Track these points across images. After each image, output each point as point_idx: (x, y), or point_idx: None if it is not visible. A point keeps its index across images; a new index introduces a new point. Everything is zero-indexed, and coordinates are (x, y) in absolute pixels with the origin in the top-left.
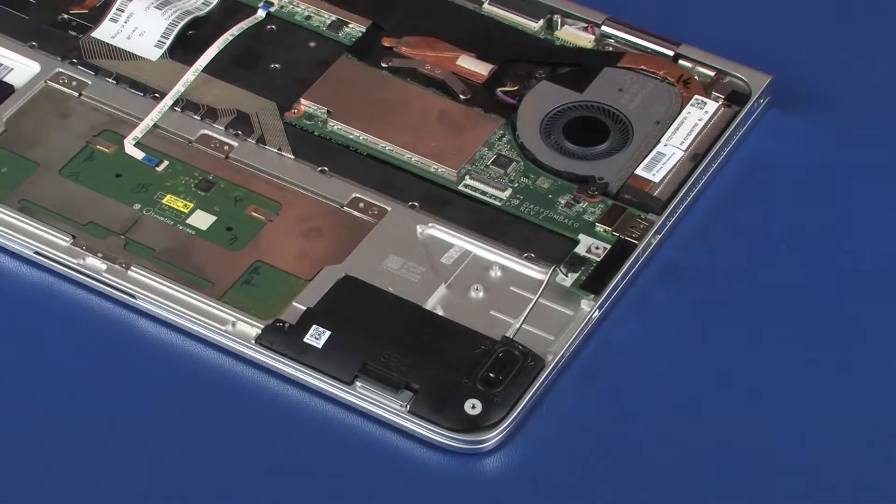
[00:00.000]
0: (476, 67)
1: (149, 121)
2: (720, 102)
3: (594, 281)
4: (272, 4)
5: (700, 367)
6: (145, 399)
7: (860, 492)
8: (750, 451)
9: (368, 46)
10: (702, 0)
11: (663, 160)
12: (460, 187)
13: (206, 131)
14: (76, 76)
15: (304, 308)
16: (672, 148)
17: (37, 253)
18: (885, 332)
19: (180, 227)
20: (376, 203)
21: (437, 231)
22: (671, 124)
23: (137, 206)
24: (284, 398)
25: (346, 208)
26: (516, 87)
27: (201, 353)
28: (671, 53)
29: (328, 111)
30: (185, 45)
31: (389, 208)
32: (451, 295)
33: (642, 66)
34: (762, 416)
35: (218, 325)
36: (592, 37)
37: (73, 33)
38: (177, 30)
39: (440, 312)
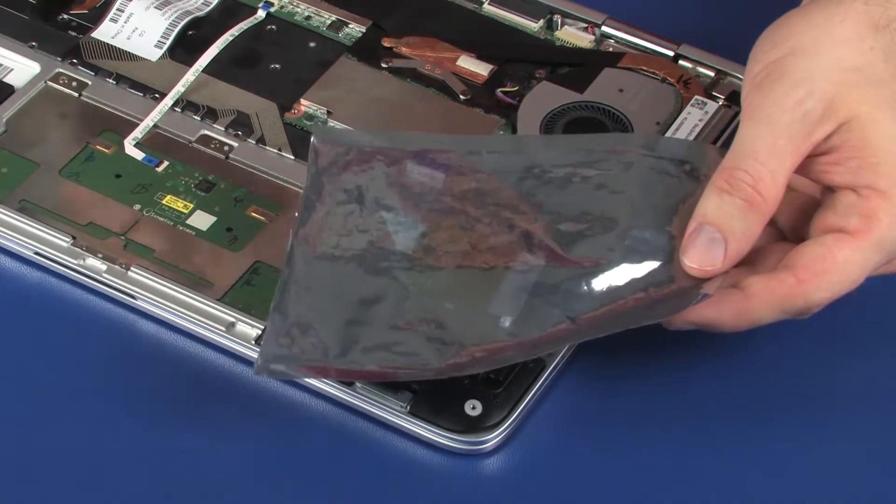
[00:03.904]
0: (476, 67)
1: (149, 121)
2: (720, 103)
3: None
4: (272, 4)
5: (700, 368)
6: (145, 399)
7: (860, 491)
8: (750, 451)
9: (368, 46)
10: (702, 0)
11: None
12: None
13: (206, 131)
14: (76, 76)
15: None
16: None
17: (37, 253)
18: (885, 335)
19: (180, 228)
20: None
21: None
22: (671, 124)
23: (137, 207)
24: (284, 398)
25: None
26: (516, 87)
27: (201, 353)
28: (671, 53)
29: (328, 111)
30: (185, 45)
31: None
32: None
33: (642, 67)
34: (762, 416)
35: (218, 326)
36: (592, 37)
37: (73, 33)
38: (177, 30)
39: None
